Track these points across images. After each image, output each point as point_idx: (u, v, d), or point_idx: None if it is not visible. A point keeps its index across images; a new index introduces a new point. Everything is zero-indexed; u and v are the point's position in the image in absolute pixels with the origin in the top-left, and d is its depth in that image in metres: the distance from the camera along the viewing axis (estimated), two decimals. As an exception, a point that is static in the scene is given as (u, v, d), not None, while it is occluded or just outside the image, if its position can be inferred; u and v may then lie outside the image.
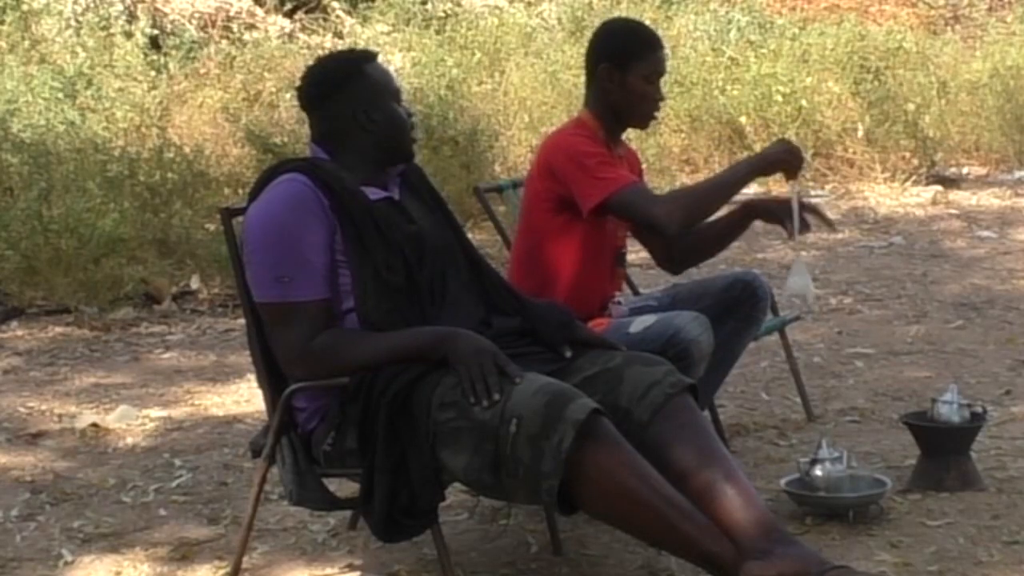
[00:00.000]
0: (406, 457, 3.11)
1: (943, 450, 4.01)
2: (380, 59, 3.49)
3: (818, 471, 3.79)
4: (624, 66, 3.91)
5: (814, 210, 4.07)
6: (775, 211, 4.04)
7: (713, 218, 4.03)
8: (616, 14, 11.49)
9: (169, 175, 7.73)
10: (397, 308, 3.25)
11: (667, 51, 4.04)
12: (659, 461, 3.09)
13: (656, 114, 4.00)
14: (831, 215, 8.93)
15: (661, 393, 3.19)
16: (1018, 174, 10.22)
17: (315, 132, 3.42)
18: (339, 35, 11.84)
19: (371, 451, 3.14)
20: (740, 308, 4.04)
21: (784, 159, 3.91)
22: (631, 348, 3.55)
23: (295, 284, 3.19)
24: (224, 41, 11.12)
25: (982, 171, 10.45)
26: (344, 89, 3.35)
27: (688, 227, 3.93)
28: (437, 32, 11.48)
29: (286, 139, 8.44)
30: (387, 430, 3.11)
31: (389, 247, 3.27)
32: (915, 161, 10.10)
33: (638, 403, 3.17)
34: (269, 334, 3.27)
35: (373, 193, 3.33)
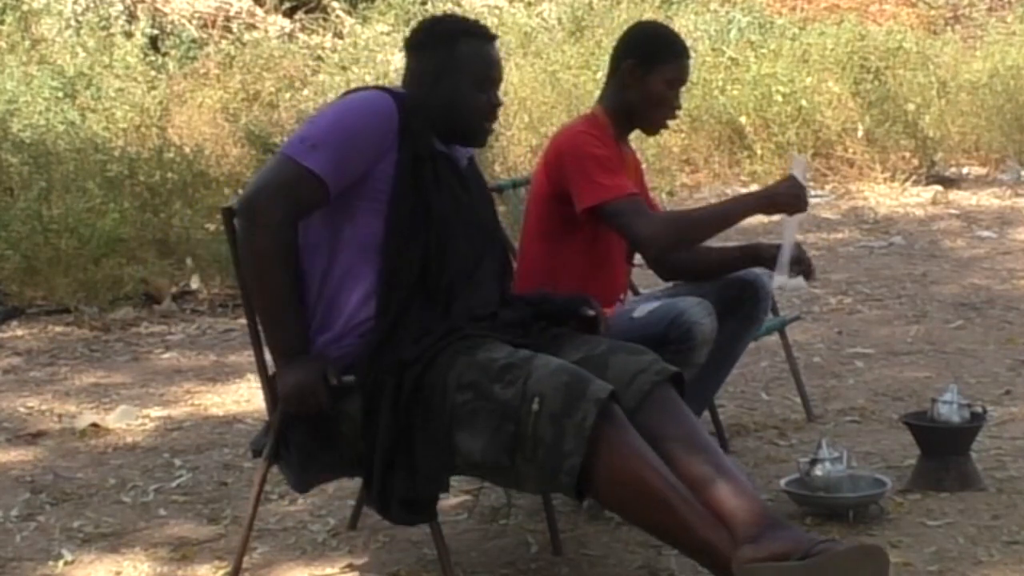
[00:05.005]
0: (413, 444, 3.11)
1: (943, 450, 4.01)
2: (494, 44, 3.43)
3: (818, 471, 3.79)
4: (648, 66, 3.92)
5: (806, 261, 4.06)
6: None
7: (717, 244, 4.04)
8: (616, 14, 11.54)
9: (169, 175, 7.73)
10: (424, 253, 3.24)
11: (692, 62, 4.04)
12: None
13: (668, 123, 4.00)
14: (829, 215, 9.00)
15: (648, 380, 3.18)
16: (1020, 173, 10.23)
17: (404, 76, 3.43)
18: (339, 35, 11.84)
19: (373, 436, 3.14)
20: (741, 307, 4.03)
21: (790, 203, 3.86)
22: (635, 331, 3.61)
23: (315, 154, 3.18)
24: (224, 41, 11.12)
25: (982, 171, 10.44)
26: (430, 50, 3.37)
27: (671, 252, 3.96)
28: (437, 32, 11.46)
29: (286, 139, 8.42)
30: (395, 418, 3.10)
31: (441, 196, 3.27)
32: (915, 161, 10.10)
33: (625, 390, 3.14)
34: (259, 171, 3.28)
35: (439, 146, 3.34)
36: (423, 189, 3.26)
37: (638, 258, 4.17)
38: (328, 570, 3.58)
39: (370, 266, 3.24)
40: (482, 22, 3.54)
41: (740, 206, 3.99)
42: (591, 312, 3.44)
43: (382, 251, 3.23)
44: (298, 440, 3.25)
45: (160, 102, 9.37)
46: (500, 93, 3.43)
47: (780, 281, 3.96)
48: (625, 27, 4.36)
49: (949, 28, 13.22)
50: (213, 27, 11.51)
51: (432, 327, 3.20)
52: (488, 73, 3.39)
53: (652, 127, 4.02)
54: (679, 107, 3.99)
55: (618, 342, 3.33)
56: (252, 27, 11.60)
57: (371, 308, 3.23)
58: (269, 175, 3.21)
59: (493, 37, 3.45)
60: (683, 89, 4.00)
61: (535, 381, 3.03)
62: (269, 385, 3.35)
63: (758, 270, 4.14)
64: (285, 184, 3.18)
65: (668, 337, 3.65)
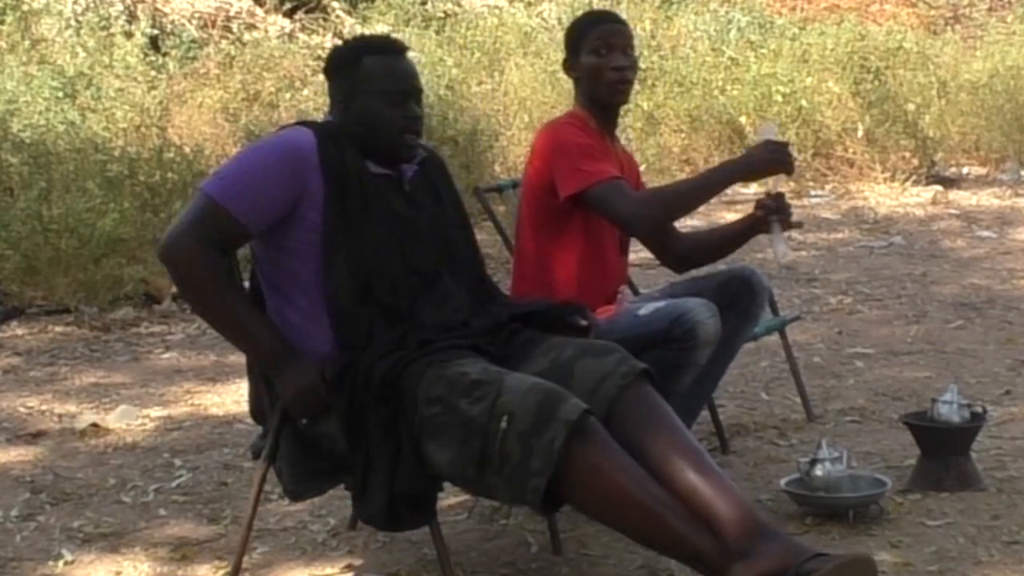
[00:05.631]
0: (402, 444, 3.11)
1: (943, 450, 4.01)
2: (402, 56, 3.40)
3: (818, 471, 3.79)
4: (575, 52, 3.99)
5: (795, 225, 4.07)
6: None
7: (719, 224, 4.02)
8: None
9: (169, 175, 7.72)
10: (366, 280, 3.24)
11: (622, 26, 4.01)
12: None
13: (618, 83, 3.94)
14: (829, 215, 9.00)
15: (613, 386, 3.13)
16: (1020, 173, 10.23)
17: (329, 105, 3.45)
18: (339, 35, 11.84)
19: (363, 441, 3.13)
20: (738, 304, 4.03)
21: (771, 164, 3.87)
22: (639, 327, 3.63)
23: (229, 191, 3.19)
24: (224, 41, 11.12)
25: (982, 171, 10.45)
26: (337, 75, 3.39)
27: (660, 228, 3.97)
28: (437, 32, 11.49)
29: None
30: (380, 418, 3.11)
31: (373, 220, 3.25)
32: (915, 161, 10.11)
33: (591, 399, 3.09)
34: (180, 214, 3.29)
35: (374, 168, 3.33)
36: (351, 217, 3.24)
37: (641, 256, 4.18)
38: (328, 570, 3.58)
39: (321, 303, 3.24)
40: (394, 36, 3.51)
41: (722, 174, 3.97)
42: (583, 322, 3.41)
43: (325, 286, 3.23)
44: (286, 450, 3.27)
45: (160, 102, 9.36)
46: (419, 105, 3.37)
47: (781, 253, 3.95)
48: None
49: (949, 28, 13.24)
50: (213, 27, 11.51)
51: (402, 342, 3.19)
52: (397, 87, 3.34)
53: (606, 95, 3.97)
54: (620, 66, 3.93)
55: (585, 343, 3.28)
56: (252, 27, 11.60)
57: (333, 341, 3.23)
58: (187, 213, 3.22)
59: (402, 50, 3.42)
60: (623, 49, 3.95)
61: (506, 399, 3.00)
62: (268, 387, 3.35)
63: (755, 267, 4.15)
64: (200, 221, 3.19)
65: (671, 335, 3.67)
